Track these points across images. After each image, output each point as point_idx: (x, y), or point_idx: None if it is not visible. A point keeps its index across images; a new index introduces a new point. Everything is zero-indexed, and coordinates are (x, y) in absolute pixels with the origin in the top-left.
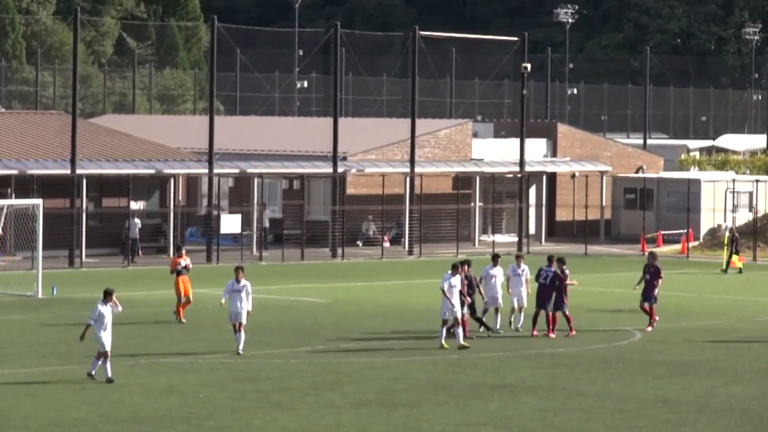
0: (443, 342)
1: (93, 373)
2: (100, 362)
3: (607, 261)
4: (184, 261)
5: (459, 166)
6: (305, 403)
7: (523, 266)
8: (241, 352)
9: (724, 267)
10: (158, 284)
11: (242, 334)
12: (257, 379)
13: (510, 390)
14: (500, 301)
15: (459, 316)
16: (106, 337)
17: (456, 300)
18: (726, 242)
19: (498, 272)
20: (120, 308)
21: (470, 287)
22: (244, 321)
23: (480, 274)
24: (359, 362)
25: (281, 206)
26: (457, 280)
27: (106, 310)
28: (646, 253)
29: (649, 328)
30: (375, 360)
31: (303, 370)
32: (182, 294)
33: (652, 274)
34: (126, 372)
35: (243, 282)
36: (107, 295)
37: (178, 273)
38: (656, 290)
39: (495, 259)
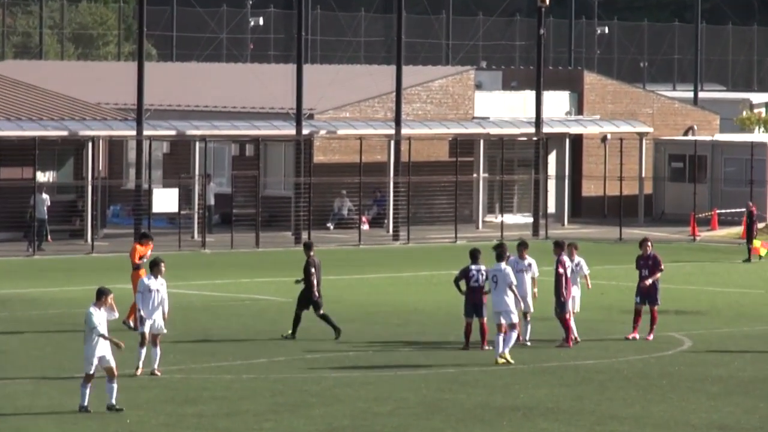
0: (504, 355)
1: (86, 404)
2: (88, 389)
3: None
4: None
5: (458, 127)
6: (261, 430)
7: (578, 259)
8: (158, 372)
9: (747, 256)
10: (72, 278)
11: (158, 348)
12: (199, 399)
13: (524, 413)
14: (530, 304)
15: (516, 320)
16: (102, 352)
17: (511, 298)
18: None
19: (525, 266)
20: (116, 314)
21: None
22: (164, 330)
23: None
24: (330, 378)
25: (230, 178)
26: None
27: (101, 316)
28: (640, 241)
29: (651, 336)
30: (350, 375)
31: (258, 388)
32: None
33: (651, 267)
34: (30, 391)
35: (161, 279)
36: (101, 296)
37: (137, 266)
38: (658, 288)
39: (521, 248)
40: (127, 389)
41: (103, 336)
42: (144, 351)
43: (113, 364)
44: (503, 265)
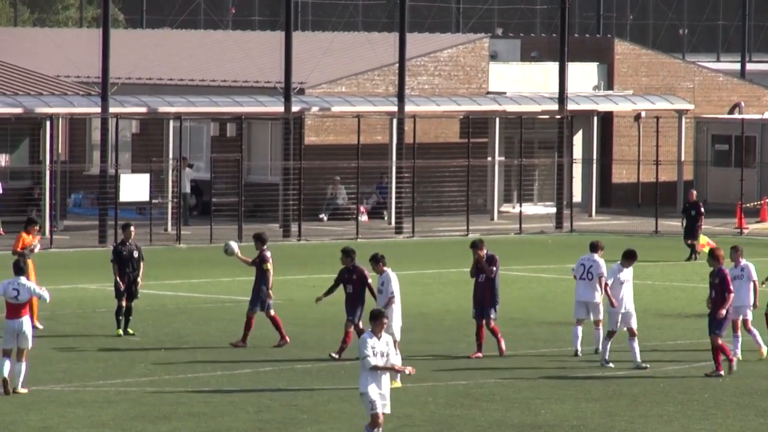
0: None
1: None
2: None
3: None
4: (34, 241)
5: (470, 103)
6: None
7: (745, 262)
8: (23, 389)
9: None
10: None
11: (24, 363)
12: (174, 416)
13: None
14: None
15: (634, 325)
16: (384, 388)
17: (630, 300)
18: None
19: (629, 275)
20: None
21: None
22: (30, 344)
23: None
24: (323, 391)
25: (208, 162)
26: (629, 274)
27: (379, 344)
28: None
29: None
30: (346, 388)
31: (241, 402)
32: None
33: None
34: None
35: (24, 280)
36: (376, 319)
37: (21, 256)
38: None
39: (629, 256)
40: (88, 404)
41: (377, 367)
42: (21, 366)
43: (387, 409)
44: (616, 265)
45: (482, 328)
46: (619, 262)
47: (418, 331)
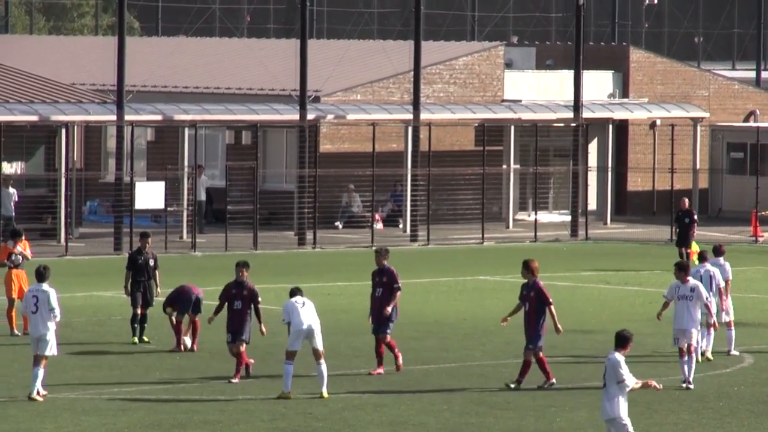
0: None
1: None
2: None
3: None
4: (21, 249)
5: (485, 111)
6: None
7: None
8: (38, 396)
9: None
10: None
11: (41, 370)
12: (189, 424)
13: None
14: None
15: (693, 341)
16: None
17: (696, 315)
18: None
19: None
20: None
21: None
22: (54, 351)
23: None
24: (338, 399)
25: (224, 170)
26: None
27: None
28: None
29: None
30: (361, 396)
31: (256, 410)
32: (16, 295)
33: (385, 284)
34: None
35: (46, 287)
36: (626, 342)
37: (12, 265)
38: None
39: (685, 269)
40: (103, 412)
41: (633, 389)
42: (38, 371)
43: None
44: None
45: (381, 343)
46: (677, 280)
47: (434, 338)
